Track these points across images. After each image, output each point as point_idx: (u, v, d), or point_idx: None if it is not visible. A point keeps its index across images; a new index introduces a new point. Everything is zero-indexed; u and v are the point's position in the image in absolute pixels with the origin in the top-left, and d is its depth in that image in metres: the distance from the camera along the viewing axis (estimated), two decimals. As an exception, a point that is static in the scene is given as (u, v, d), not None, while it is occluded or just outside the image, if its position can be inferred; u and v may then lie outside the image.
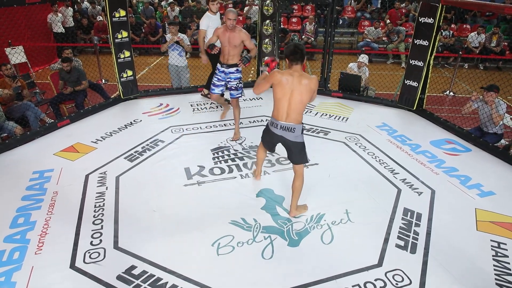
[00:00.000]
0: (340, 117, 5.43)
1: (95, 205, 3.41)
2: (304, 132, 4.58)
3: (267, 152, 3.68)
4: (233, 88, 4.44)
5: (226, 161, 4.16)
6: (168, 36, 6.17)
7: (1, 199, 3.48)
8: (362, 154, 4.39)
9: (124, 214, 3.31)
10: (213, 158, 4.21)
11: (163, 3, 11.69)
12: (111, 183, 3.75)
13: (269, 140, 3.33)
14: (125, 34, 5.45)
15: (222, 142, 4.56)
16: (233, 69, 4.38)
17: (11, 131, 4.65)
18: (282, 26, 9.19)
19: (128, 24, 5.46)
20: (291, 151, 3.21)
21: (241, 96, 4.54)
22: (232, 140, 4.64)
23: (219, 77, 4.44)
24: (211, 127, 5.01)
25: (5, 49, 6.72)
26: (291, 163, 3.27)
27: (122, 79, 5.67)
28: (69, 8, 9.82)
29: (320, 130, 4.97)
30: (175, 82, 6.41)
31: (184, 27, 10.23)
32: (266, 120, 5.20)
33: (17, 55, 6.74)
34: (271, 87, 3.13)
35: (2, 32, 6.98)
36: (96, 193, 3.59)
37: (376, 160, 4.25)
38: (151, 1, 11.94)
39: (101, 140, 4.59)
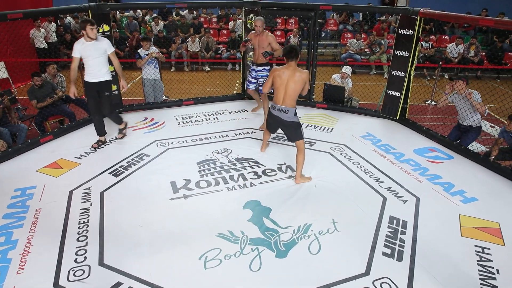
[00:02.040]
0: (325, 127, 5.51)
1: (79, 222, 3.36)
2: (287, 143, 4.85)
3: (270, 135, 4.61)
4: (261, 84, 5.20)
5: (212, 174, 4.16)
6: (143, 51, 6.15)
7: (-19, 218, 3.40)
8: (347, 163, 4.45)
9: (109, 230, 3.26)
10: (199, 171, 4.21)
11: (147, 17, 11.73)
12: (96, 198, 3.70)
13: (270, 121, 4.08)
14: (109, 49, 5.45)
15: (208, 155, 4.57)
16: (261, 68, 5.15)
17: (-8, 147, 4.55)
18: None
19: (112, 38, 5.46)
20: (287, 130, 3.97)
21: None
22: (260, 129, 5.35)
23: (251, 75, 5.28)
24: (196, 140, 5.02)
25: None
26: (291, 142, 4.15)
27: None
28: (52, 23, 9.78)
29: (306, 141, 5.02)
30: (150, 97, 6.29)
31: (169, 41, 10.30)
32: (252, 132, 5.25)
33: (-4, 70, 6.66)
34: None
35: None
36: (81, 209, 3.53)
37: (361, 170, 4.31)
38: (135, 15, 12.00)
39: (85, 156, 4.54)
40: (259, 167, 4.31)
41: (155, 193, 3.82)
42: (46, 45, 9.22)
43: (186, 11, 11.73)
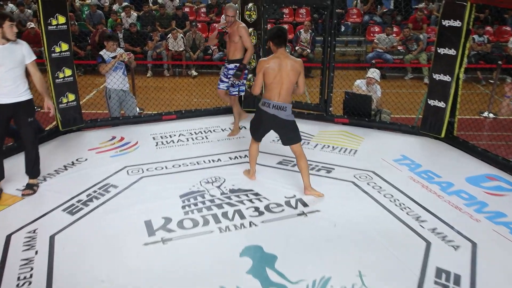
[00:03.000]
0: (346, 149, 5.51)
1: (18, 277, 3.30)
2: (297, 169, 4.68)
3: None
4: (236, 84, 5.58)
5: (200, 210, 4.14)
6: (107, 54, 6.04)
7: None
8: (376, 196, 4.42)
9: (61, 287, 3.21)
10: (183, 207, 4.18)
11: (115, 6, 11.92)
12: (43, 245, 3.65)
13: (259, 124, 4.30)
14: (65, 47, 5.53)
15: (194, 185, 4.55)
16: (233, 65, 5.53)
17: None
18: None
19: (69, 34, 5.55)
20: (284, 131, 4.23)
21: (238, 94, 5.73)
22: (229, 136, 5.78)
23: (224, 72, 5.66)
24: (179, 166, 5.01)
25: None
26: (287, 145, 4.30)
27: (61, 105, 5.70)
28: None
29: (322, 167, 5.02)
30: (116, 113, 6.25)
31: (144, 38, 10.45)
32: (251, 155, 5.24)
33: None
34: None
35: None
36: (21, 259, 3.48)
37: (395, 204, 4.28)
38: (100, 3, 12.19)
39: (41, 181, 4.53)
40: (261, 201, 4.29)
41: (124, 236, 3.77)
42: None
43: (166, -1, 11.94)
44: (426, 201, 4.33)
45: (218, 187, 4.55)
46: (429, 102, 5.78)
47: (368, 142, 5.73)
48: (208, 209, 4.15)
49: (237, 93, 5.72)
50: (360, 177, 4.81)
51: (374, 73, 6.59)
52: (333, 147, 5.56)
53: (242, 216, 4.04)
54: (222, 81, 5.68)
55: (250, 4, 6.26)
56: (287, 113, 4.12)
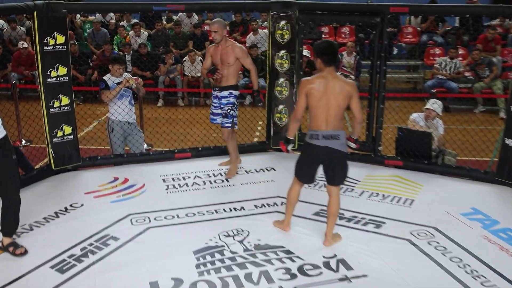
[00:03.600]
0: (400, 198, 5.45)
1: None
2: (345, 223, 4.92)
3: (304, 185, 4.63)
4: (223, 115, 5.68)
5: (217, 270, 4.11)
6: (112, 79, 6.15)
7: None
8: (440, 260, 4.32)
9: None
10: (198, 266, 4.17)
11: (123, 23, 12.27)
12: (28, 308, 3.68)
13: (311, 162, 4.36)
14: (63, 71, 5.68)
15: (212, 239, 4.55)
16: (226, 93, 5.68)
17: None
18: (306, 57, 9.55)
19: (68, 55, 5.73)
20: (335, 167, 4.26)
21: (231, 127, 5.75)
22: (227, 177, 5.88)
23: (214, 104, 5.83)
24: (194, 215, 5.02)
25: None
26: (328, 184, 4.38)
27: (55, 139, 5.82)
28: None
29: (369, 220, 4.96)
30: (119, 149, 6.33)
31: (155, 61, 10.70)
32: (281, 204, 5.22)
33: None
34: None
35: None
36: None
37: (465, 271, 4.16)
38: (105, 20, 12.56)
39: (16, 238, 4.57)
40: (294, 261, 4.24)
41: (124, 301, 3.77)
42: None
43: (181, 14, 12.18)
44: (506, 269, 4.20)
45: (241, 241, 4.53)
46: (506, 142, 5.70)
47: (428, 190, 5.65)
48: (228, 269, 4.12)
49: (230, 125, 5.77)
50: (418, 234, 4.72)
51: (434, 104, 6.56)
52: (383, 195, 5.51)
53: (269, 280, 3.98)
54: (215, 114, 5.86)
55: (283, 22, 6.35)
56: (340, 141, 4.19)
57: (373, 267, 4.15)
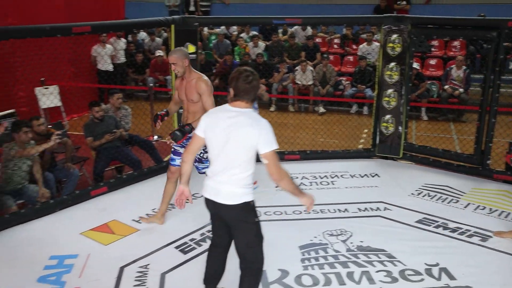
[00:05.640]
0: (509, 214, 5.14)
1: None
2: (449, 233, 4.70)
3: None
4: (197, 159, 4.51)
5: (321, 266, 4.13)
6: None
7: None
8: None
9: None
10: (302, 260, 4.21)
11: (243, 35, 12.61)
12: (154, 283, 3.86)
13: None
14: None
15: (316, 237, 4.58)
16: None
17: (31, 197, 5.05)
18: (416, 69, 9.25)
19: (197, 63, 5.98)
20: None
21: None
22: (147, 222, 4.78)
23: (175, 145, 4.64)
24: (300, 212, 5.08)
25: (35, 88, 7.57)
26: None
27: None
28: (121, 39, 11.04)
29: (474, 232, 4.72)
30: None
31: (270, 69, 10.85)
32: (384, 209, 5.12)
33: (49, 96, 7.58)
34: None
35: (34, 68, 7.64)
36: (132, 295, 3.73)
37: None
38: (228, 33, 12.99)
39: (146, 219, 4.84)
40: (395, 265, 4.14)
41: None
42: (112, 66, 10.35)
43: (296, 27, 12.29)
44: None
45: (344, 241, 4.52)
46: None
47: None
48: (331, 266, 4.12)
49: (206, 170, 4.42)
50: (526, 251, 4.42)
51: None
52: (490, 209, 5.22)
53: (371, 280, 3.94)
54: (177, 154, 4.63)
55: (395, 36, 6.21)
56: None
57: (477, 281, 3.94)
